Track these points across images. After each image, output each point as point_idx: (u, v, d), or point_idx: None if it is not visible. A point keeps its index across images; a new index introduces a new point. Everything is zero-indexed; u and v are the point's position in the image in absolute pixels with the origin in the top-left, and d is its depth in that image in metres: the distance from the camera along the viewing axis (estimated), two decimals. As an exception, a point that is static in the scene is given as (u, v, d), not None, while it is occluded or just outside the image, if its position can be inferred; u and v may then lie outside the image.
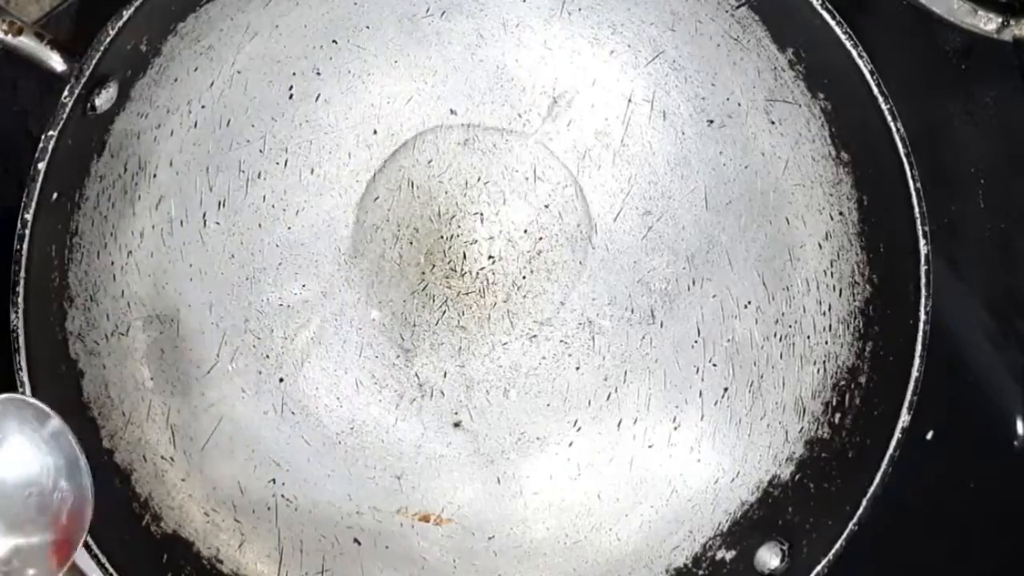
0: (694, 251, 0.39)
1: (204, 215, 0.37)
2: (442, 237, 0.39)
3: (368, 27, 0.37)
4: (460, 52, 0.38)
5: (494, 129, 0.39)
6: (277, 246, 0.38)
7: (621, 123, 0.39)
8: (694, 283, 0.39)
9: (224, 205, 0.37)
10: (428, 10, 0.37)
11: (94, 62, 0.26)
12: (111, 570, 0.31)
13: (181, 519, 0.35)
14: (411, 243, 0.39)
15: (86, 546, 0.30)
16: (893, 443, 0.31)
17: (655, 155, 0.39)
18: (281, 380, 0.39)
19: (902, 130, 0.30)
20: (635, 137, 0.39)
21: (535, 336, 0.40)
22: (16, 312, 0.28)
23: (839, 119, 0.34)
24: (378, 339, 0.39)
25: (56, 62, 0.26)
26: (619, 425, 0.39)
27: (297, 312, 0.39)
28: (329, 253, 0.39)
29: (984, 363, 0.37)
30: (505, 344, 0.40)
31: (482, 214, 0.39)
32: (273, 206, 0.38)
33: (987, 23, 0.40)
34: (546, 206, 0.39)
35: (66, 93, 0.26)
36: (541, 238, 0.40)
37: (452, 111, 0.39)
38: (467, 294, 0.39)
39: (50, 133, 0.26)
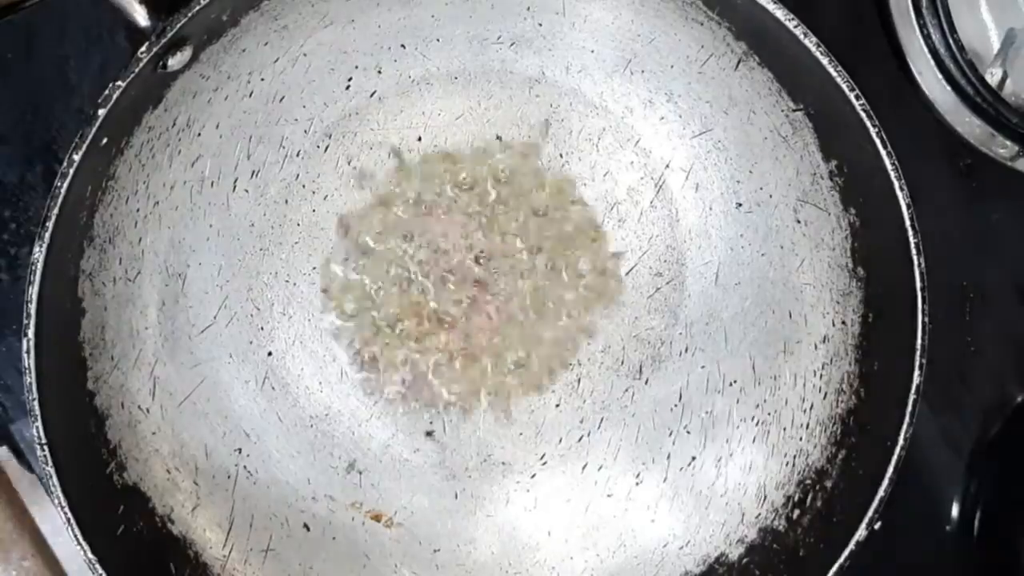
0: (694, 320, 0.40)
1: (235, 180, 0.37)
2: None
3: (439, 40, 0.37)
4: (519, 83, 0.38)
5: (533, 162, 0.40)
6: (298, 225, 0.38)
7: (654, 185, 0.40)
8: (687, 350, 0.40)
9: (257, 175, 0.37)
10: (499, 37, 0.37)
11: (179, 25, 0.26)
12: (68, 513, 0.31)
13: (143, 472, 0.35)
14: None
15: (49, 486, 0.31)
16: (845, 553, 0.32)
17: (679, 222, 0.40)
18: (269, 354, 0.39)
19: (923, 264, 0.31)
20: (664, 201, 0.40)
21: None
22: (41, 246, 0.28)
23: (864, 237, 0.35)
24: (372, 335, 0.40)
25: (141, 16, 0.26)
26: (584, 468, 0.40)
27: (302, 292, 0.39)
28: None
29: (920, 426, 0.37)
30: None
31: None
32: (304, 186, 0.38)
33: (1003, 149, 0.41)
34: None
35: (144, 48, 0.26)
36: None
37: (498, 137, 0.39)
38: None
39: (118, 83, 0.27)
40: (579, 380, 0.41)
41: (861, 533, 0.32)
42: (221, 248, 0.37)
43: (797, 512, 0.36)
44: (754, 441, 0.39)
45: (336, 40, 0.36)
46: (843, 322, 0.37)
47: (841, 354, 0.37)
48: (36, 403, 0.29)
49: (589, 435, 0.40)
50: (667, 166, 0.39)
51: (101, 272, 0.33)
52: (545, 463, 0.40)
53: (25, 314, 0.29)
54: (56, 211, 0.28)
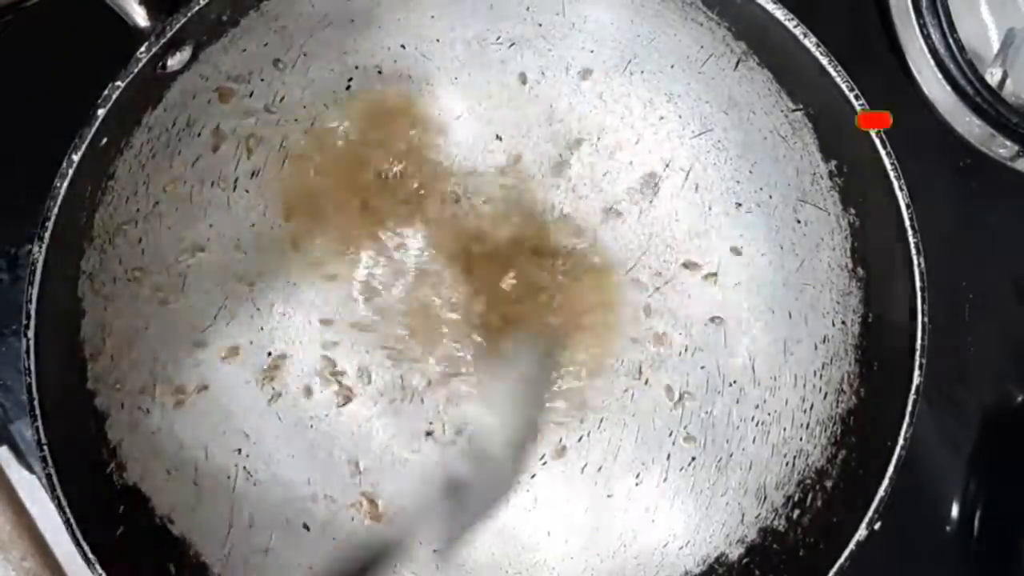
0: (694, 320, 0.40)
1: (236, 181, 0.37)
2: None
3: (438, 40, 0.37)
4: (519, 84, 0.39)
5: (533, 162, 0.40)
6: (297, 225, 0.38)
7: (654, 185, 0.40)
8: (686, 350, 0.40)
9: (258, 175, 0.37)
10: (499, 38, 0.37)
11: (179, 25, 0.26)
12: (68, 513, 0.31)
13: (144, 473, 0.35)
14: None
15: (49, 486, 0.31)
16: (845, 553, 0.32)
17: (678, 222, 0.40)
18: (269, 354, 0.39)
19: (923, 264, 0.31)
20: (663, 201, 0.40)
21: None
22: (40, 246, 0.28)
23: (863, 237, 0.35)
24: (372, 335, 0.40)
25: (141, 16, 0.26)
26: (583, 469, 0.40)
27: (302, 291, 0.39)
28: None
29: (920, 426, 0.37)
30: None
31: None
32: (304, 187, 0.38)
33: (1003, 148, 0.41)
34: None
35: (143, 49, 0.26)
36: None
37: (498, 136, 0.39)
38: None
39: (117, 83, 0.27)
40: (579, 380, 0.41)
41: (861, 533, 0.32)
42: (221, 248, 0.37)
43: (797, 512, 0.36)
44: (754, 441, 0.39)
45: (336, 41, 0.36)
46: (843, 322, 0.37)
47: (841, 354, 0.37)
48: (36, 403, 0.29)
49: (589, 435, 0.40)
50: (667, 166, 0.39)
51: (101, 272, 0.33)
52: (545, 463, 0.40)
53: (25, 314, 0.29)
54: (56, 211, 0.28)
